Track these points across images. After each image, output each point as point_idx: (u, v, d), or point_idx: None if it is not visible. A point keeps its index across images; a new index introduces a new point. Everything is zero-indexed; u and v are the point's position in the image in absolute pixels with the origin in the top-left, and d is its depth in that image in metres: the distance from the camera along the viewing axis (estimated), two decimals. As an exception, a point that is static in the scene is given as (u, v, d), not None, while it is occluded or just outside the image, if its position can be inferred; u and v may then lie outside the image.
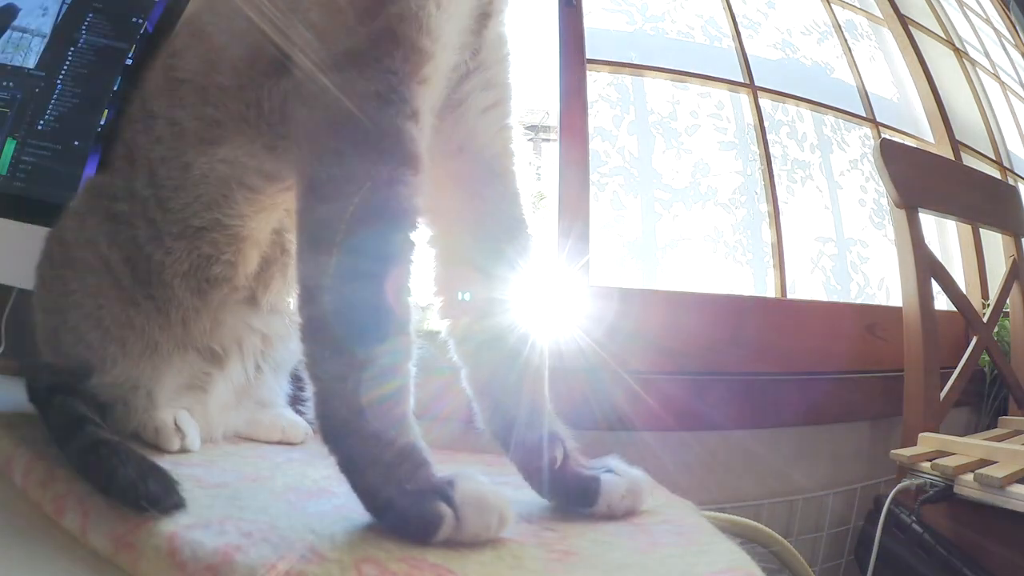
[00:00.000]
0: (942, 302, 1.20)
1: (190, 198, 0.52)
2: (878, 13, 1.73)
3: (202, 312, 0.54)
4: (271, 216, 0.54)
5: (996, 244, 1.41)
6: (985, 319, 1.20)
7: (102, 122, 0.74)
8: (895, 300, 1.39)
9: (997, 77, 1.96)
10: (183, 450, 0.54)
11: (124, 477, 0.39)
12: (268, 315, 0.58)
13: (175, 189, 0.52)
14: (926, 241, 1.11)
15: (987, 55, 1.99)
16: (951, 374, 1.09)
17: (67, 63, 0.74)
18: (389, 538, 0.38)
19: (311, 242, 0.42)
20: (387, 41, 0.42)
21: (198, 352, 0.56)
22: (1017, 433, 1.07)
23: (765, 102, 1.40)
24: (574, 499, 0.48)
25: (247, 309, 0.57)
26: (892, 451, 0.93)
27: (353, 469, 0.40)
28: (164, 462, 0.48)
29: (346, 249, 0.40)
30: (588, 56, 1.19)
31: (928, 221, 1.35)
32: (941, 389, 1.05)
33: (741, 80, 1.38)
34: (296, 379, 0.65)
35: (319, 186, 0.42)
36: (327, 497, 0.45)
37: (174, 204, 0.52)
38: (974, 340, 1.15)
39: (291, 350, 0.61)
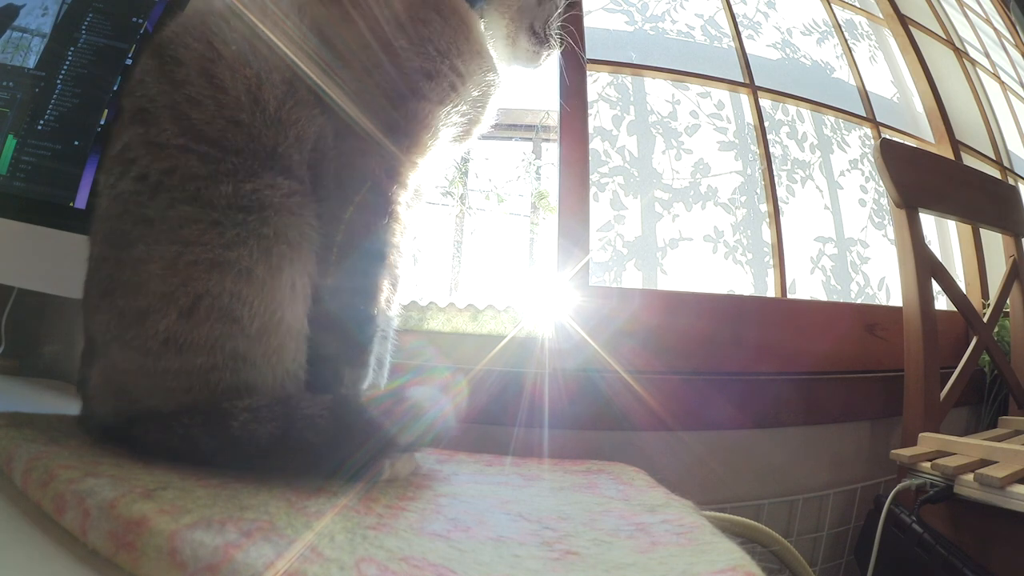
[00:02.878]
0: (942, 302, 1.20)
1: None
2: (878, 13, 1.73)
3: None
4: None
5: (996, 244, 1.41)
6: (985, 319, 1.19)
7: (102, 122, 0.75)
8: (895, 300, 1.39)
9: (997, 77, 1.96)
10: None
11: None
12: None
13: None
14: (926, 241, 1.11)
15: (987, 55, 1.99)
16: (951, 374, 1.09)
17: (67, 63, 0.74)
18: (389, 537, 0.38)
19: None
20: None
21: None
22: (1017, 433, 1.07)
23: (765, 102, 1.40)
24: None
25: None
26: (892, 451, 0.93)
27: None
28: (160, 459, 0.48)
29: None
30: (588, 56, 1.19)
31: (928, 221, 1.35)
32: (941, 389, 1.05)
33: (741, 80, 1.38)
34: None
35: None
36: (327, 497, 0.45)
37: None
38: (974, 340, 1.15)
39: None
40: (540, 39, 0.68)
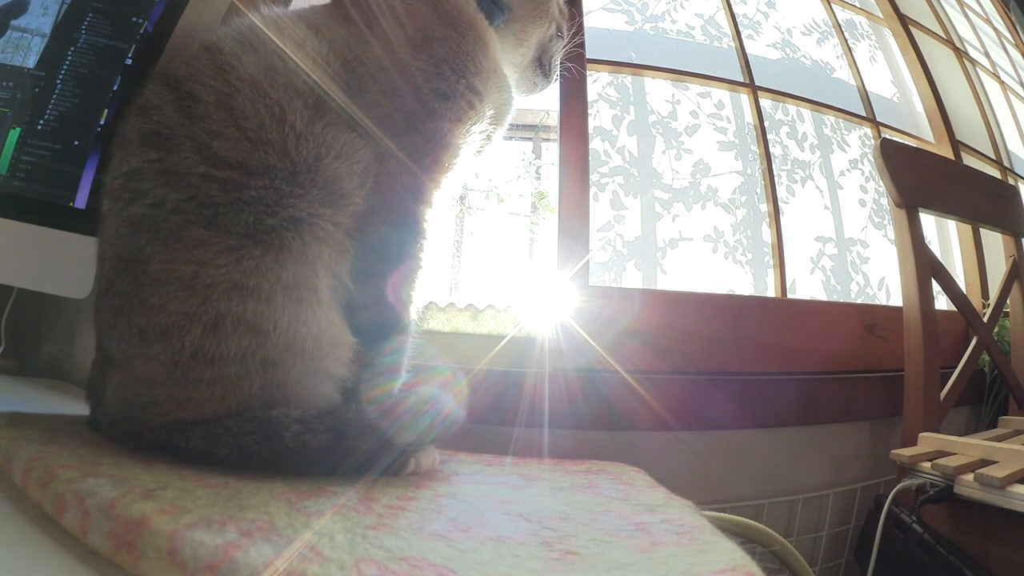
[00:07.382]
0: (942, 302, 1.21)
1: None
2: (878, 13, 1.73)
3: None
4: None
5: (996, 244, 1.41)
6: (985, 319, 1.19)
7: (102, 122, 0.75)
8: (895, 300, 1.39)
9: (997, 77, 1.96)
10: None
11: None
12: None
13: None
14: (926, 241, 1.11)
15: (987, 55, 1.99)
16: (951, 374, 1.09)
17: (67, 63, 0.74)
18: (389, 537, 0.38)
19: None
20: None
21: None
22: (1017, 433, 1.07)
23: (765, 102, 1.40)
24: None
25: None
26: (892, 451, 0.93)
27: None
28: (160, 459, 0.48)
29: None
30: (588, 56, 1.19)
31: (928, 221, 1.35)
32: (941, 389, 1.05)
33: (741, 80, 1.38)
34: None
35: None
36: (327, 497, 0.45)
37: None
38: (974, 340, 1.15)
39: None
40: (544, 73, 0.71)
